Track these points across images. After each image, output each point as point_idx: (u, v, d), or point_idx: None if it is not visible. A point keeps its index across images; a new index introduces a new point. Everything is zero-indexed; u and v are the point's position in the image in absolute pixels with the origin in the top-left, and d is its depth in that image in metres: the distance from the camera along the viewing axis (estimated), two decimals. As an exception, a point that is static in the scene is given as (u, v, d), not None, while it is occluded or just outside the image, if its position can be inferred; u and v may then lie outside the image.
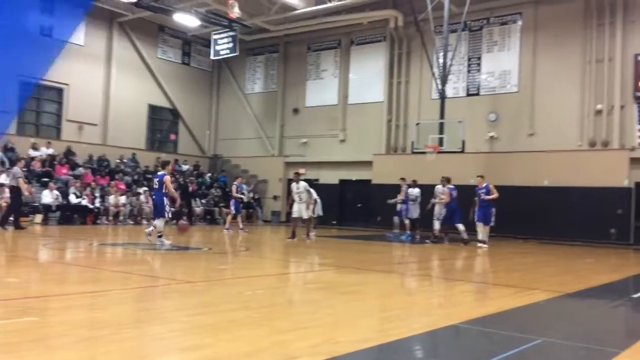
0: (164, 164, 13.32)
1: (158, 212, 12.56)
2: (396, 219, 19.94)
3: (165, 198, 12.55)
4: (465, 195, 17.01)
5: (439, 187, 16.94)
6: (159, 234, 12.31)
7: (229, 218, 18.93)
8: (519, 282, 9.02)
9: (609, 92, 19.92)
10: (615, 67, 19.79)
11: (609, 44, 19.97)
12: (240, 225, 18.47)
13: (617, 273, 11.25)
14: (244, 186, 22.45)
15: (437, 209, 16.87)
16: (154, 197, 13.03)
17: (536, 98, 21.29)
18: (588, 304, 7.56)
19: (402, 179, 18.99)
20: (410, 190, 18.09)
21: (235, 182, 19.13)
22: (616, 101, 19.76)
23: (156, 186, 12.63)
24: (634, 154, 19.23)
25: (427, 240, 16.73)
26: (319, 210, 17.23)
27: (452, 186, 16.76)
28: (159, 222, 12.37)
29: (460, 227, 16.42)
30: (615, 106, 19.77)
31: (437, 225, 16.81)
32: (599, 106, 20.02)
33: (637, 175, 19.19)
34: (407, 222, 18.42)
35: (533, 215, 19.77)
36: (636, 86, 19.43)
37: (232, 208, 18.58)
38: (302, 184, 15.71)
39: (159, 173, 13.08)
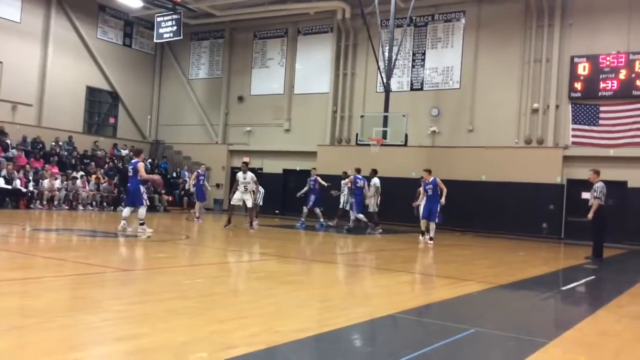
0: (137, 152, 13.17)
1: (137, 200, 12.58)
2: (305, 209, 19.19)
3: (141, 186, 12.61)
4: (406, 188, 17.34)
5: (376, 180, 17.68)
6: (141, 222, 12.33)
7: (197, 207, 18.61)
8: (455, 273, 9.26)
9: (545, 91, 20.66)
10: (552, 68, 20.53)
11: (547, 45, 20.68)
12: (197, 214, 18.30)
13: (547, 266, 11.73)
14: (186, 173, 22.12)
15: (372, 200, 17.58)
16: (129, 185, 12.98)
17: (477, 95, 21.86)
18: (519, 295, 7.84)
19: (345, 172, 19.10)
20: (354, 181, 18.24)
21: (198, 170, 19.05)
22: (552, 101, 20.51)
23: (130, 174, 12.68)
24: (567, 152, 20.05)
25: (371, 231, 17.13)
26: (259, 200, 17.30)
27: (360, 177, 17.55)
28: (141, 210, 12.45)
29: (360, 216, 17.36)
30: (550, 106, 20.53)
31: (352, 215, 17.47)
32: (535, 105, 20.74)
33: (569, 172, 20.02)
34: (317, 210, 18.79)
35: (471, 209, 20.33)
36: (571, 87, 20.22)
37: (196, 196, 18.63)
38: (250, 174, 15.69)
39: (132, 161, 13.09)
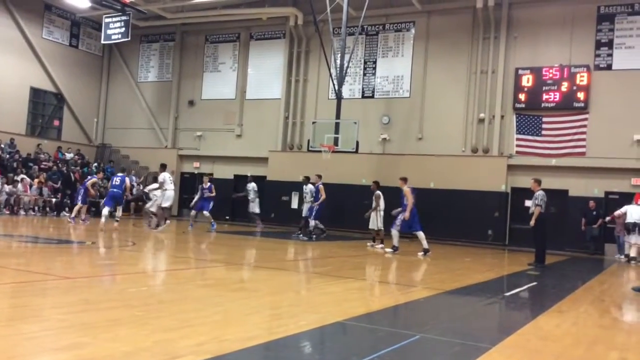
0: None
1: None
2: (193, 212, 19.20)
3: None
4: (356, 195, 17.46)
5: (310, 186, 17.65)
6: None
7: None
8: (403, 279, 9.39)
9: (491, 102, 21.25)
10: (498, 79, 21.15)
11: (493, 57, 21.30)
12: (83, 216, 18.02)
13: (492, 272, 12.02)
14: (134, 178, 21.67)
15: (306, 206, 17.67)
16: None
17: (426, 104, 22.28)
18: (465, 301, 8.01)
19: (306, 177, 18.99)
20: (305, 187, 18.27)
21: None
22: (497, 111, 21.12)
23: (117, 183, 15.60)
24: (512, 161, 20.66)
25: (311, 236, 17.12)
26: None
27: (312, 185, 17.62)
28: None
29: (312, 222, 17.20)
30: (496, 116, 21.13)
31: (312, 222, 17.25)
32: (481, 115, 21.31)
33: (513, 180, 20.63)
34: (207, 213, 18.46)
35: (420, 216, 20.62)
36: (516, 98, 20.87)
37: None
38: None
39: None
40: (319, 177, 17.46)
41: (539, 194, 13.00)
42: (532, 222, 13.00)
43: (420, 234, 14.10)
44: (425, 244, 13.96)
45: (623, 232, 18.26)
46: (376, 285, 9.25)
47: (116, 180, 15.90)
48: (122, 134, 28.16)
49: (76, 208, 17.75)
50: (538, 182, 13.30)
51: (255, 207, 20.59)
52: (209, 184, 18.24)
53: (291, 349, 4.55)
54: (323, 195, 16.73)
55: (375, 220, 15.71)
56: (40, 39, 25.66)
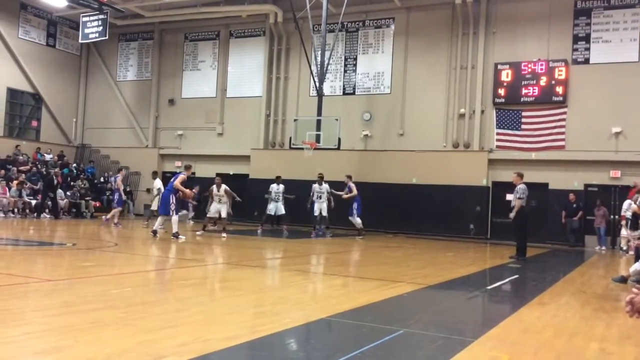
0: (187, 167, 14.96)
1: (167, 208, 13.88)
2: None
3: (172, 195, 13.75)
4: (339, 191, 17.49)
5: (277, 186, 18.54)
6: (174, 233, 13.68)
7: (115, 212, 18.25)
8: (387, 275, 9.43)
9: (471, 97, 21.39)
10: (477, 74, 21.29)
11: (472, 52, 21.43)
12: (116, 220, 17.85)
13: (474, 266, 12.13)
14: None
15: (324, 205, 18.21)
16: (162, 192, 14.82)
17: (407, 100, 22.36)
18: (448, 295, 8.07)
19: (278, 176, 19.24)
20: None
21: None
22: (477, 106, 21.26)
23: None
24: (492, 156, 20.83)
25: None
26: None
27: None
28: (173, 218, 13.85)
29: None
30: (476, 111, 21.27)
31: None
32: (462, 110, 21.44)
33: (494, 175, 20.81)
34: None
35: (402, 211, 20.79)
36: (495, 93, 21.03)
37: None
38: (223, 187, 16.13)
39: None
40: (349, 177, 18.65)
41: (520, 187, 13.10)
42: (511, 215, 13.12)
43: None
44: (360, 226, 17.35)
45: (603, 225, 18.57)
46: (360, 281, 9.28)
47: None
48: (102, 133, 27.88)
49: (114, 211, 17.85)
50: (520, 175, 13.38)
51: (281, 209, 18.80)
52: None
53: (275, 347, 4.56)
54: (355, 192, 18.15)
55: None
56: (17, 39, 25.28)
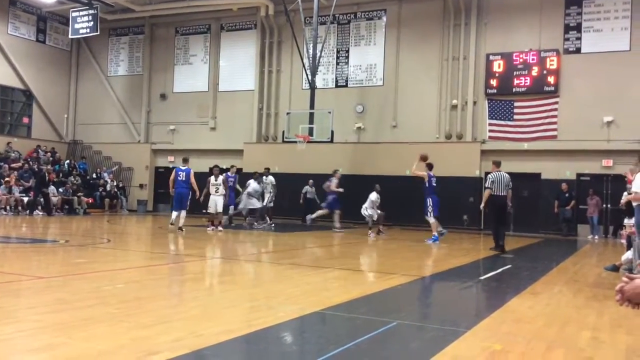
0: (186, 160, 15.28)
1: (183, 204, 14.59)
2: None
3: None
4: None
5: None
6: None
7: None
8: (381, 267, 9.46)
9: (463, 88, 21.40)
10: (469, 65, 21.30)
11: (464, 43, 21.43)
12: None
13: (467, 257, 12.17)
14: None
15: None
16: (179, 189, 14.64)
17: (399, 92, 22.35)
18: (441, 286, 8.11)
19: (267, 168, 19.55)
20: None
21: (227, 173, 17.72)
22: (469, 97, 21.29)
23: (182, 178, 14.45)
24: (485, 147, 20.88)
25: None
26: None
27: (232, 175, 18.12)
28: (182, 213, 14.52)
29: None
30: (468, 102, 21.30)
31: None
32: (454, 101, 21.46)
33: (487, 166, 20.77)
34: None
35: (396, 203, 20.78)
36: (487, 84, 21.06)
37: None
38: (221, 177, 16.12)
39: (183, 167, 14.81)
40: (268, 169, 19.33)
41: (490, 175, 12.67)
42: (481, 205, 13.10)
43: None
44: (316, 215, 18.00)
45: (595, 214, 18.67)
46: (355, 273, 9.30)
47: (182, 175, 14.46)
48: (94, 129, 27.75)
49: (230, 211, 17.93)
50: (496, 163, 12.86)
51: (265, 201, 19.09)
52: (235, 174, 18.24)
53: (270, 340, 4.56)
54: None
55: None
56: (6, 35, 25.08)
